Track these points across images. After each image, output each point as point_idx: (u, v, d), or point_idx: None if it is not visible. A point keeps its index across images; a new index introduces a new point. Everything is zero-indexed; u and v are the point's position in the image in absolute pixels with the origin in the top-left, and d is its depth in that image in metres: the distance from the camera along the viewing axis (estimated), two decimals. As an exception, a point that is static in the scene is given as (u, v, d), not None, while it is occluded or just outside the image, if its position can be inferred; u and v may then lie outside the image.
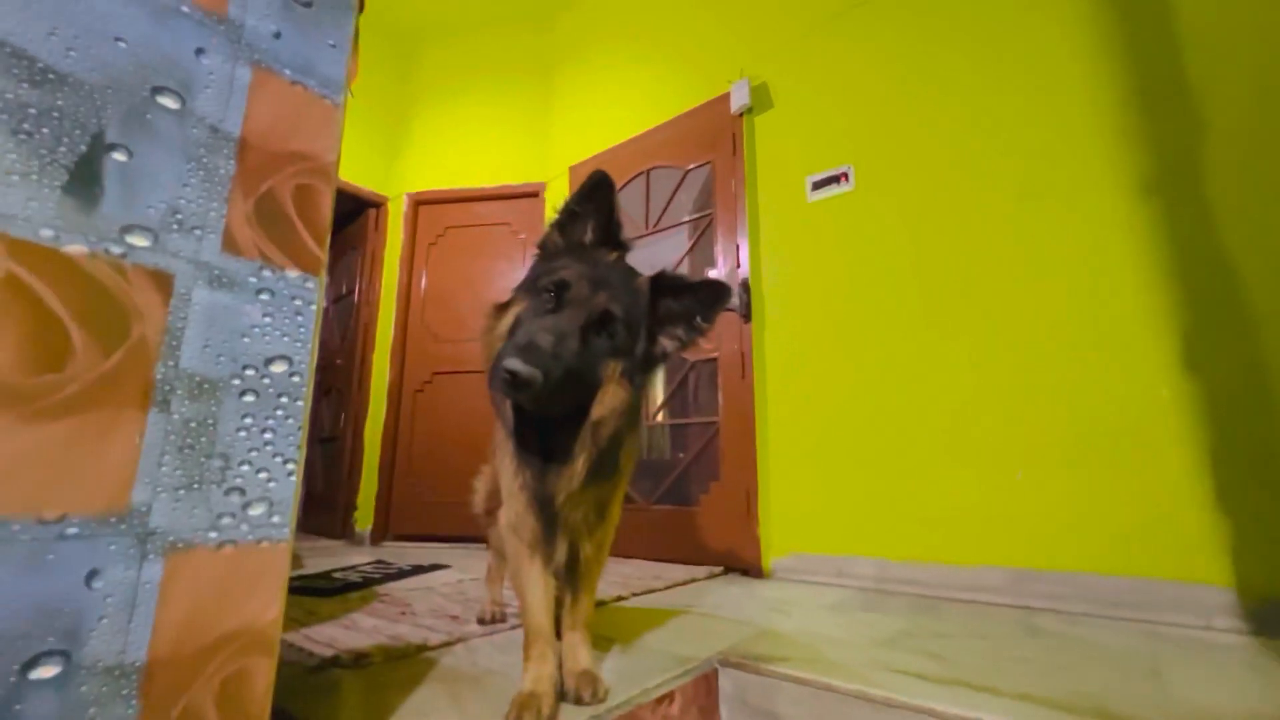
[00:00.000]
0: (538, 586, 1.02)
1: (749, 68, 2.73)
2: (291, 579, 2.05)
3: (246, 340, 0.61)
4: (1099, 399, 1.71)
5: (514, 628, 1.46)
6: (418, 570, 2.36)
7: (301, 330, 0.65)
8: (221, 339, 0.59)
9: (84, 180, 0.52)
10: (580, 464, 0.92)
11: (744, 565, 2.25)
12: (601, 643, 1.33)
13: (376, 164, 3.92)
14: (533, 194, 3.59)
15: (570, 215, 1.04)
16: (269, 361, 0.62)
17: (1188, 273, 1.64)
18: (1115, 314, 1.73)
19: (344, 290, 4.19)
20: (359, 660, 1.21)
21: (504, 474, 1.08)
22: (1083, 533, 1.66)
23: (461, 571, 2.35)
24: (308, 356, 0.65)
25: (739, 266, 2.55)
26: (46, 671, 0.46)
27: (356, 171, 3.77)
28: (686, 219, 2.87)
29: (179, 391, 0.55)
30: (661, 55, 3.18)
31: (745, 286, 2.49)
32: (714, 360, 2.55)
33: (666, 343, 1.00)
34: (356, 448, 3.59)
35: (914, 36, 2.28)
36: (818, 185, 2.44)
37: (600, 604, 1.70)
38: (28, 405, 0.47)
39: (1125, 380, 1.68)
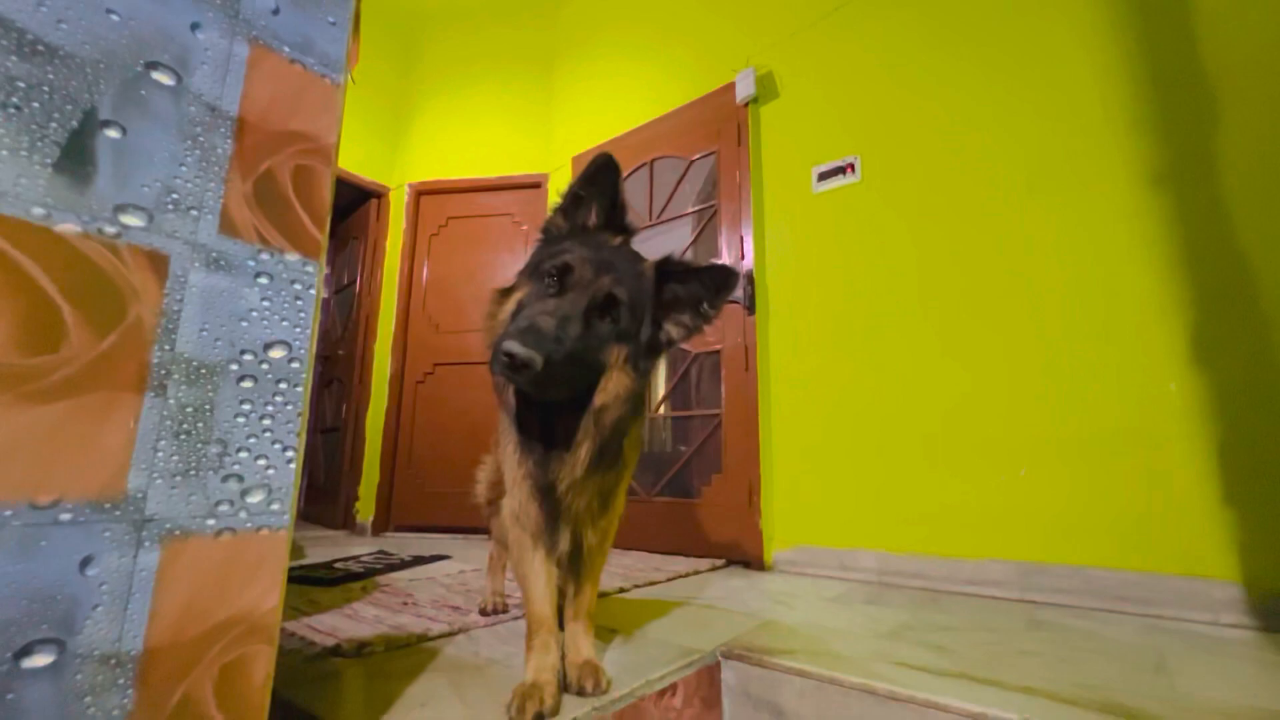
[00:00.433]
0: (540, 577, 1.01)
1: (755, 57, 2.70)
2: (293, 568, 2.05)
3: (245, 324, 0.59)
4: (1105, 393, 1.69)
5: (516, 618, 1.45)
6: (419, 561, 2.35)
7: (301, 315, 0.64)
8: (219, 323, 0.58)
9: (76, 158, 0.50)
10: (583, 452, 0.91)
11: (746, 557, 2.24)
12: (604, 634, 1.32)
13: (379, 154, 3.90)
14: (535, 185, 3.56)
15: (574, 199, 1.02)
16: (268, 347, 0.61)
17: (1197, 266, 1.62)
18: (1123, 307, 1.71)
19: (345, 281, 4.18)
20: (361, 649, 1.20)
21: (507, 463, 1.07)
22: (1088, 527, 1.65)
23: (463, 562, 2.35)
24: (307, 342, 0.64)
25: (743, 258, 2.53)
26: (40, 660, 0.45)
27: (358, 161, 3.74)
28: (690, 210, 2.85)
29: (175, 376, 0.54)
30: (666, 44, 3.15)
31: (749, 278, 2.47)
32: (717, 352, 2.54)
33: (672, 329, 0.98)
34: (358, 438, 3.58)
35: (922, 26, 2.25)
36: (823, 176, 2.42)
37: (602, 595, 1.70)
38: (20, 387, 0.45)
39: (1132, 374, 1.66)
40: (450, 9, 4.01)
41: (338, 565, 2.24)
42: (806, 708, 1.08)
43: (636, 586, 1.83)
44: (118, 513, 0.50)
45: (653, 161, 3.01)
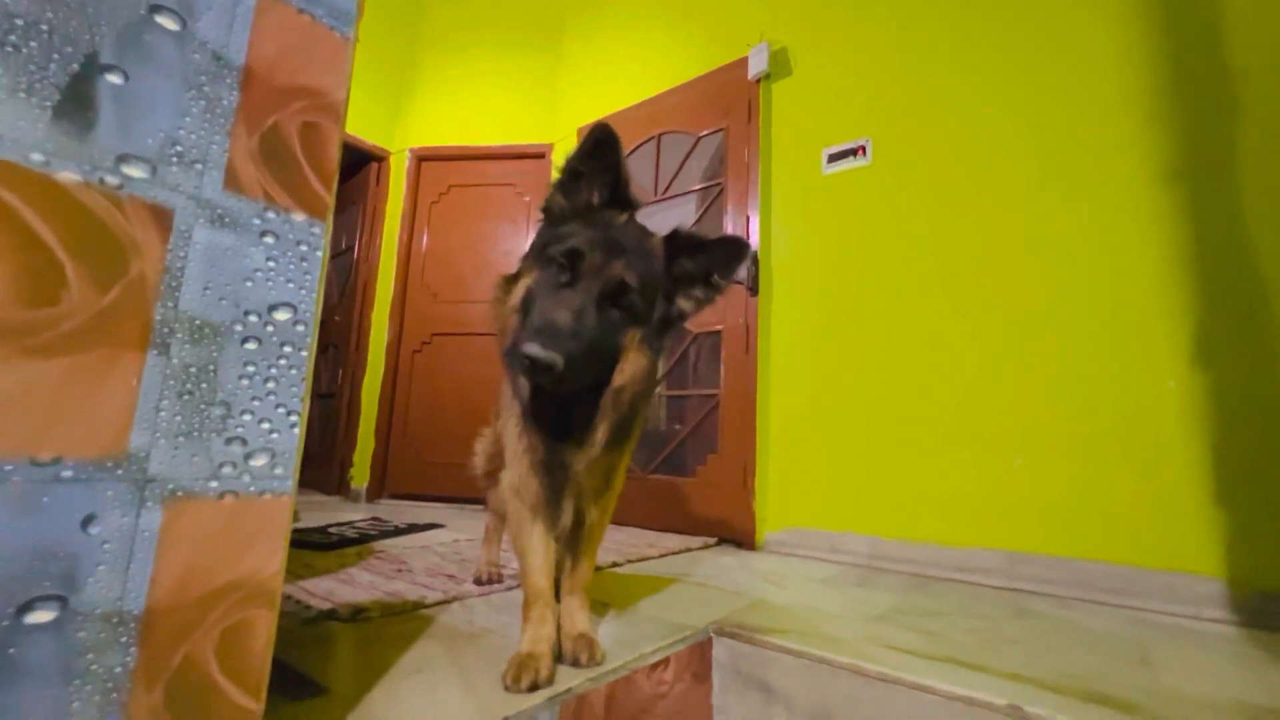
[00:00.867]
0: (539, 550, 1.02)
1: (769, 32, 2.63)
2: (288, 532, 2.05)
3: (250, 285, 0.58)
4: (1104, 388, 1.70)
5: (510, 589, 1.47)
6: (413, 529, 2.37)
7: (307, 278, 0.62)
8: (224, 282, 0.56)
9: (77, 102, 0.48)
10: (601, 432, 0.91)
11: (738, 537, 2.26)
12: (598, 607, 1.34)
13: (379, 116, 3.81)
14: (539, 155, 3.50)
15: (574, 175, 0.98)
16: (273, 308, 0.59)
17: (1206, 263, 1.61)
18: (1128, 302, 1.70)
19: (344, 245, 4.12)
20: (357, 614, 1.21)
21: (508, 436, 1.07)
22: (1078, 519, 1.67)
23: (457, 532, 2.36)
24: (313, 306, 0.62)
25: (748, 239, 2.50)
26: (42, 616, 0.45)
27: (359, 123, 3.67)
28: (696, 187, 2.81)
29: (179, 334, 0.53)
30: (677, 15, 3.07)
31: (754, 259, 2.45)
32: (717, 333, 2.53)
33: (684, 303, 0.97)
34: (354, 405, 3.58)
35: (940, 7, 2.19)
36: (834, 158, 2.38)
37: (596, 570, 1.71)
38: (20, 340, 0.44)
39: (1132, 370, 1.67)
40: (457, -32, 3.89)
41: (332, 530, 2.25)
42: (796, 686, 1.10)
43: (630, 562, 1.85)
44: (120, 472, 0.49)
45: (660, 136, 2.96)
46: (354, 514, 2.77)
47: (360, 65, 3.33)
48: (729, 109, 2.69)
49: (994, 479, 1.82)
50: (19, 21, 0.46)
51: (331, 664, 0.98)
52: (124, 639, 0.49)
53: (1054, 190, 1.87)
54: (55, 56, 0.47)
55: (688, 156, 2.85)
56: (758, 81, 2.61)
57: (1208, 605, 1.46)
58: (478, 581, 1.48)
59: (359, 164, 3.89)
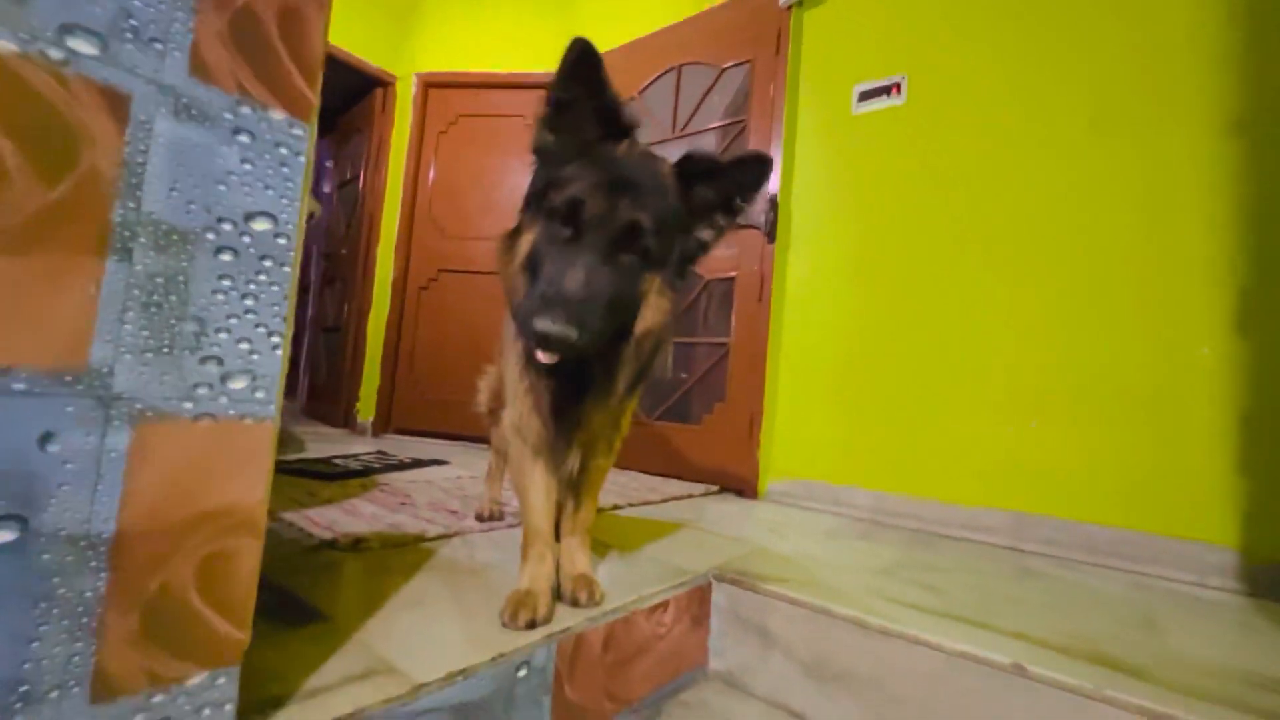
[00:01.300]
0: (540, 489, 0.99)
1: (804, -49, 2.42)
2: (293, 461, 2.06)
3: (222, 188, 0.52)
4: (1133, 350, 1.63)
5: (512, 526, 1.46)
6: (418, 464, 2.38)
7: (288, 185, 0.56)
8: (192, 183, 0.50)
9: (7, -44, 0.41)
10: (622, 381, 0.87)
11: (741, 486, 2.26)
12: (599, 548, 1.33)
13: (385, 38, 3.61)
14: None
15: (559, 107, 0.85)
16: (249, 217, 0.53)
17: (1260, 227, 1.51)
18: (1170, 263, 1.61)
19: (349, 176, 4.00)
20: (357, 545, 1.21)
21: (509, 374, 1.02)
22: (1090, 483, 1.64)
23: (461, 468, 2.37)
24: (295, 217, 0.57)
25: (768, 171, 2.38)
26: (1, 536, 0.42)
27: (363, 44, 3.47)
28: (716, 124, 2.66)
29: (142, 239, 0.47)
30: (706, -70, 2.82)
31: (773, 204, 2.34)
32: (730, 279, 2.45)
33: (705, 234, 0.90)
34: (359, 339, 3.55)
35: (999, -76, 1.99)
36: (865, 96, 2.23)
37: (597, 511, 1.71)
38: (-48, 234, 0.39)
39: (1164, 334, 1.59)
40: (468, -128, 3.59)
41: (337, 461, 2.27)
42: (795, 634, 1.10)
43: (631, 505, 1.85)
44: (80, 387, 0.45)
45: (680, 68, 2.78)
46: (359, 447, 2.79)
47: (363, -20, 3.09)
48: (756, 38, 2.51)
49: (1007, 439, 1.78)
50: None
51: (332, 592, 0.97)
52: (93, 564, 0.46)
53: (1105, 138, 1.74)
54: (-22, -103, 0.40)
55: (709, 90, 2.69)
56: (788, 9, 2.42)
57: (1216, 574, 1.44)
58: (479, 518, 1.48)
59: (364, 89, 3.72)
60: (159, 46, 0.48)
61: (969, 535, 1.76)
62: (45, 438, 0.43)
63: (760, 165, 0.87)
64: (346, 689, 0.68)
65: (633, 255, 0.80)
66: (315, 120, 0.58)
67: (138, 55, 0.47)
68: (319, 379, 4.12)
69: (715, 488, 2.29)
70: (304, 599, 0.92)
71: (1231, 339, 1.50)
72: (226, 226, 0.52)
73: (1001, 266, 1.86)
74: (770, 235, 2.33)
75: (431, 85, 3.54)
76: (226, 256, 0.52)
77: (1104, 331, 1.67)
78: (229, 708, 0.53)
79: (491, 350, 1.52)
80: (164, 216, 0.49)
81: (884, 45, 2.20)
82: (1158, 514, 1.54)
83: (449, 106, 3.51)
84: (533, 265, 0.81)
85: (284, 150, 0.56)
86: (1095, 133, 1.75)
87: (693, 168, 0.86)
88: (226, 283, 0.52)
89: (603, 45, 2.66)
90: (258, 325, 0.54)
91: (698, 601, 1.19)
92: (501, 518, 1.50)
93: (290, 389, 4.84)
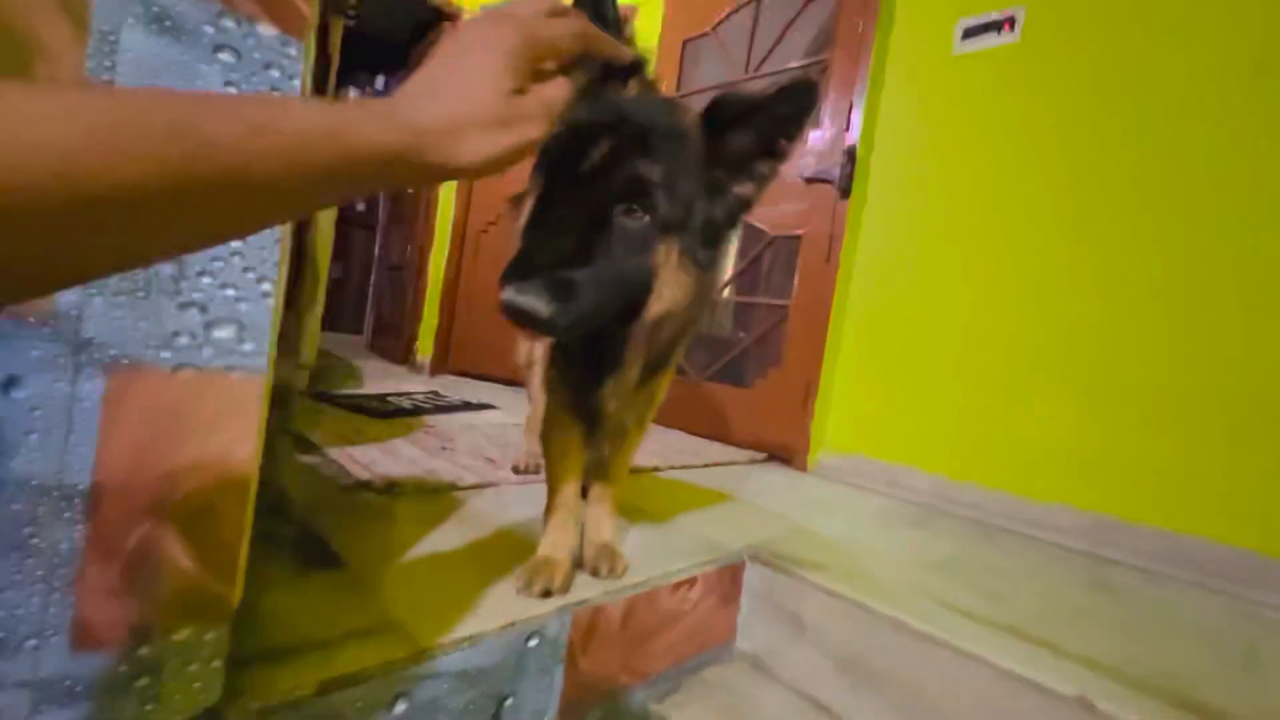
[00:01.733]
0: (566, 453, 0.94)
1: None
2: (347, 395, 2.12)
3: (204, 114, 0.46)
4: (1250, 345, 1.38)
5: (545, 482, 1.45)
6: (467, 406, 2.42)
7: (282, 113, 0.50)
8: (169, 107, 0.45)
9: None
10: (634, 372, 0.78)
11: (789, 456, 2.16)
12: (632, 513, 1.29)
13: (454, -34, 3.48)
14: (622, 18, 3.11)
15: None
16: (234, 147, 0.48)
17: None
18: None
19: (416, 114, 3.98)
20: (390, 488, 1.22)
21: None
22: (1188, 489, 1.44)
23: (508, 414, 2.39)
24: (288, 148, 0.50)
25: (847, 129, 2.16)
26: (-32, 482, 0.40)
27: (432, -27, 3.37)
28: (794, 64, 2.42)
29: (110, 169, 0.42)
30: None
31: (850, 155, 2.13)
32: (797, 238, 2.28)
33: (744, 188, 0.73)
34: (421, 279, 3.61)
35: None
36: (971, 32, 1.95)
37: (635, 472, 1.67)
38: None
39: (1313, 326, 1.34)
40: None
41: (390, 399, 2.33)
42: (830, 626, 1.03)
43: (672, 468, 1.80)
44: (46, 330, 0.42)
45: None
46: (415, 386, 2.86)
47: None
48: (849, -37, 2.23)
49: (1091, 431, 1.58)
50: None
51: (356, 537, 0.97)
52: (68, 515, 0.44)
53: (1271, 94, 1.44)
54: None
55: (790, 24, 2.43)
56: (890, -73, 2.13)
57: (1340, 609, 1.25)
58: (515, 470, 1.47)
59: (430, 23, 3.63)
60: (123, -58, 0.42)
61: (1038, 534, 1.61)
62: (9, 382, 0.41)
63: (805, 93, 0.69)
64: (349, 645, 0.66)
65: (638, 218, 0.65)
66: (312, 39, 0.51)
67: (99, -48, 0.41)
68: (384, 316, 4.26)
69: (762, 455, 2.21)
70: (327, 542, 0.93)
71: (1404, 338, 1.25)
72: (208, 158, 0.47)
73: (1101, 239, 1.61)
74: (844, 191, 2.13)
75: (499, 18, 3.41)
76: (208, 192, 0.47)
77: (1217, 320, 1.43)
78: (216, 663, 0.52)
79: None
80: (136, 144, 0.43)
81: (1000, -30, 1.90)
82: (1266, 530, 1.34)
83: (515, 42, 3.38)
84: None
85: (275, 72, 0.49)
86: (1261, 80, 1.45)
87: (724, 112, 0.70)
88: (209, 221, 0.47)
89: (674, -30, 2.41)
90: (245, 270, 0.50)
91: (729, 579, 1.13)
92: (538, 471, 1.48)
93: (357, 324, 5.05)
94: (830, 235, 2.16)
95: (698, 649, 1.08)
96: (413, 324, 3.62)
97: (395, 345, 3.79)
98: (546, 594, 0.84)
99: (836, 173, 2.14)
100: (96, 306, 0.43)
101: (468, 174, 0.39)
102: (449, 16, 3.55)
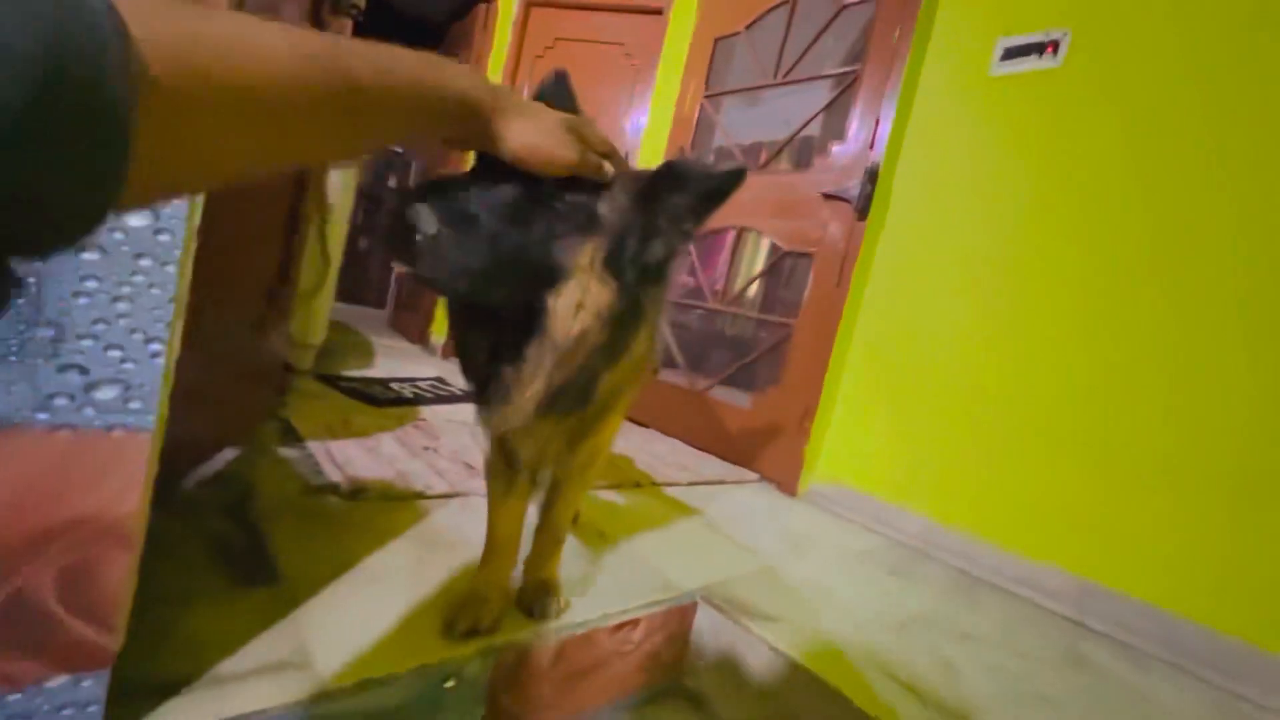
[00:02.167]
0: (506, 493, 0.91)
1: None
2: (350, 379, 2.15)
3: (89, 176, 0.45)
4: (1273, 422, 1.29)
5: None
6: (468, 397, 2.43)
7: (180, 170, 0.49)
8: (49, 170, 0.44)
9: None
10: (530, 394, 0.62)
11: (779, 479, 2.12)
12: (592, 537, 1.28)
13: (494, -53, 3.44)
14: (656, 11, 3.04)
15: None
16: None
17: None
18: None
19: (449, 95, 3.99)
20: (355, 495, 1.23)
21: None
22: (1190, 566, 1.35)
23: (505, 411, 2.40)
24: (184, 209, 0.50)
25: (871, 147, 2.07)
26: None
27: (471, -46, 3.34)
28: (825, 73, 2.33)
29: (-19, 235, 0.42)
30: None
31: (872, 176, 2.04)
32: (808, 256, 2.21)
33: (669, 240, 0.66)
34: (441, 263, 3.64)
35: None
36: (1011, 53, 1.83)
37: (616, 486, 1.66)
38: None
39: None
40: None
41: (393, 385, 2.36)
42: (772, 684, 1.00)
43: (654, 485, 1.78)
44: (-91, 394, 0.42)
45: (796, 1, 2.43)
46: (423, 369, 2.89)
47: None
48: (890, -30, 2.12)
49: (1087, 492, 1.50)
50: None
51: (303, 549, 0.99)
52: (-66, 571, 0.44)
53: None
54: None
55: (824, 29, 2.33)
56: (937, -67, 2.00)
57: (1333, 719, 1.16)
58: (488, 480, 1.47)
59: (467, 6, 3.61)
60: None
61: (1023, 592, 1.54)
62: None
63: (737, 176, 0.65)
64: (254, 681, 0.67)
65: (572, 207, 0.60)
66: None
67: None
68: (404, 293, 4.32)
69: (754, 476, 2.17)
70: (271, 555, 0.94)
71: None
72: (90, 221, 0.46)
73: (1149, 287, 1.51)
74: (862, 212, 2.05)
75: (534, 4, 3.37)
76: (91, 255, 0.47)
77: (1248, 388, 1.33)
78: (94, 708, 0.53)
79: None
80: (10, 209, 0.43)
81: (1048, -12, 1.77)
82: (1263, 621, 1.26)
83: (549, 28, 3.34)
84: None
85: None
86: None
87: (671, 172, 0.65)
88: (92, 284, 0.47)
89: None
90: (133, 331, 0.49)
91: (676, 620, 1.12)
92: (511, 483, 1.48)
93: (381, 298, 5.14)
94: (844, 256, 2.09)
95: (635, 688, 1.07)
96: (429, 305, 3.66)
97: (413, 323, 3.85)
98: (472, 633, 0.83)
99: (856, 191, 2.06)
100: (-35, 371, 0.43)
101: (511, 152, 0.53)
102: (484, 0, 3.53)
